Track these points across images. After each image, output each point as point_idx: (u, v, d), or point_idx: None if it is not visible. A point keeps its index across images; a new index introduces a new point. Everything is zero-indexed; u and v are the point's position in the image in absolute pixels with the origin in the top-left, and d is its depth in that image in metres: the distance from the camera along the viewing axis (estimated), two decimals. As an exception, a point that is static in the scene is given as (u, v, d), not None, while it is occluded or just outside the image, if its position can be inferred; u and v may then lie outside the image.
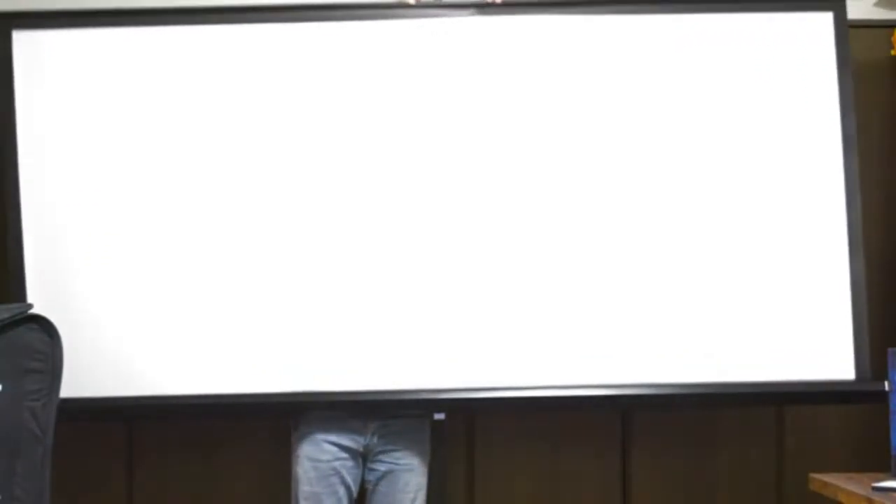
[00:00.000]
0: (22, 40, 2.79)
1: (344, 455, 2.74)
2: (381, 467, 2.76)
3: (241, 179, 2.78)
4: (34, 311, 2.45)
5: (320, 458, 2.73)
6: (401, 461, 2.76)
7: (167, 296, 2.76)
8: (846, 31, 2.88)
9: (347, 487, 2.75)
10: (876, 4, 3.14)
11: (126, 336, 2.75)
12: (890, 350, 2.63)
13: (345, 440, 2.74)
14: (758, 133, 2.85)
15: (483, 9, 2.84)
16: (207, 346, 2.76)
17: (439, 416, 2.80)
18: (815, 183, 2.85)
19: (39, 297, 2.66)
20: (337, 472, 2.73)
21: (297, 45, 2.82)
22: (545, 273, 2.80)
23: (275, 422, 3.01)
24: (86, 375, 2.67)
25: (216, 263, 2.77)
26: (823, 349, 2.80)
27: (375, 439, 2.75)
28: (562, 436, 3.11)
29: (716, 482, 3.13)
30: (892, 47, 3.14)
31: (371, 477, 2.78)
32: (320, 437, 2.73)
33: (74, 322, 2.65)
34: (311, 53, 2.82)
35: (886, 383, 2.67)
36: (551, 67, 2.84)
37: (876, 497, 2.35)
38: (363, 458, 2.78)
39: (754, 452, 3.13)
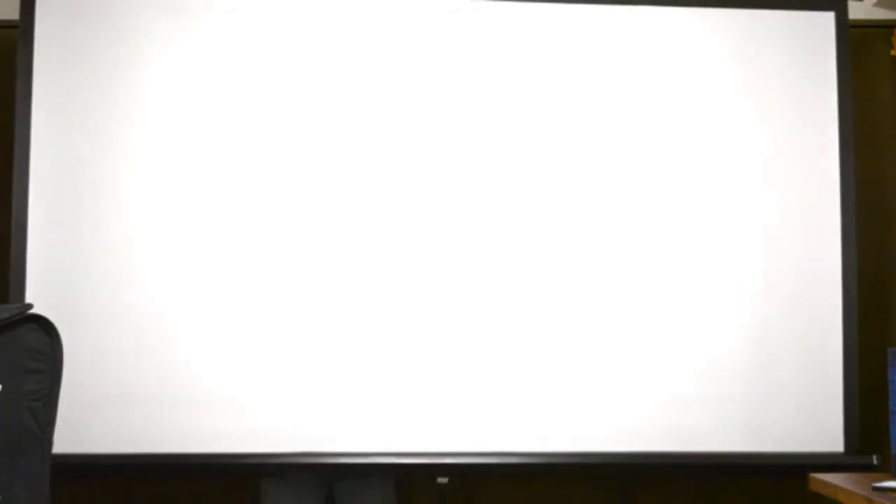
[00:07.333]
0: (43, 34, 2.78)
1: None
2: None
3: (232, 200, 2.81)
4: (34, 311, 2.45)
5: None
6: None
7: (162, 303, 2.78)
8: (847, 31, 2.89)
9: None
10: (876, 4, 3.14)
11: (125, 333, 2.76)
12: (889, 350, 2.62)
13: None
14: (757, 141, 2.89)
15: None
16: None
17: (442, 480, 2.81)
18: (814, 192, 2.90)
19: (40, 297, 2.65)
20: None
21: (296, 31, 2.84)
22: (546, 344, 2.82)
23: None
24: (85, 375, 2.68)
25: (210, 282, 2.79)
26: (815, 423, 2.87)
27: None
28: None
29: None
30: (892, 47, 3.14)
31: None
32: None
33: (75, 321, 2.65)
34: (309, 36, 2.83)
35: (875, 457, 2.81)
36: (544, 60, 2.86)
37: (876, 497, 2.34)
38: None
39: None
